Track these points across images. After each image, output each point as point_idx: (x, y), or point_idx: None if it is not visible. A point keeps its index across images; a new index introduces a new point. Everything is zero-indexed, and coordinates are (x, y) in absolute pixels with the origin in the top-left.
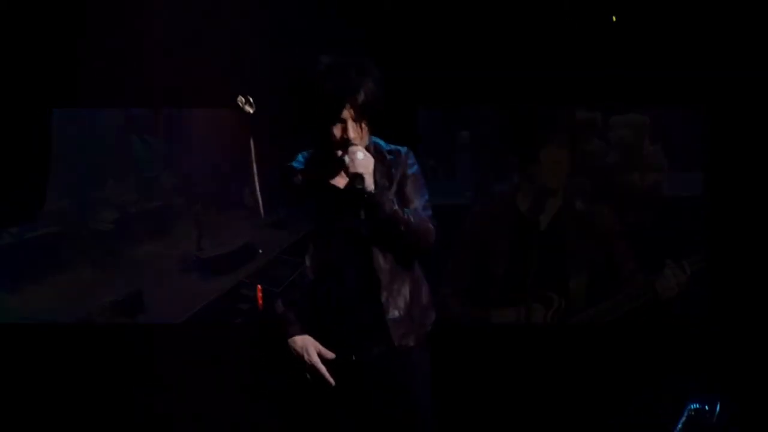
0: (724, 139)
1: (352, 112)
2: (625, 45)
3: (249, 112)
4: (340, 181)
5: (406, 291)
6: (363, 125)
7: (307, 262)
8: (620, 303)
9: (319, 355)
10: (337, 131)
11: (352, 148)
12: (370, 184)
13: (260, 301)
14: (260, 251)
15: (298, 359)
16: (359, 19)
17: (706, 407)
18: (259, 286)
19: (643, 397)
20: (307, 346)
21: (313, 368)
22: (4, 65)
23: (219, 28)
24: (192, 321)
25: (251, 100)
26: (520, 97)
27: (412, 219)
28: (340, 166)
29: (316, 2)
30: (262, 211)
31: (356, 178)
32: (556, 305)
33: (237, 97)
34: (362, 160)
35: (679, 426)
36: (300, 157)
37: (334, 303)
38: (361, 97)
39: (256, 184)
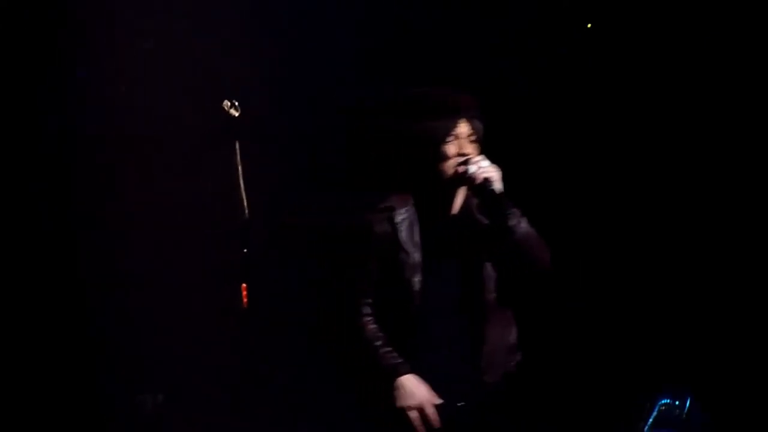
0: None
1: (467, 128)
2: None
3: (234, 116)
4: (456, 204)
5: (508, 328)
6: (476, 145)
7: (415, 299)
8: None
9: None
10: (452, 148)
11: (475, 158)
12: (500, 187)
13: (245, 300)
14: (245, 250)
15: (408, 398)
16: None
17: (677, 402)
18: (244, 285)
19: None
20: (419, 385)
21: (421, 409)
22: None
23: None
24: None
25: (236, 103)
26: None
27: (533, 230)
28: (449, 197)
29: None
30: (247, 212)
31: (486, 181)
32: None
33: (222, 101)
34: (490, 165)
35: (650, 421)
36: (387, 201)
37: (433, 341)
38: (473, 109)
39: (241, 185)
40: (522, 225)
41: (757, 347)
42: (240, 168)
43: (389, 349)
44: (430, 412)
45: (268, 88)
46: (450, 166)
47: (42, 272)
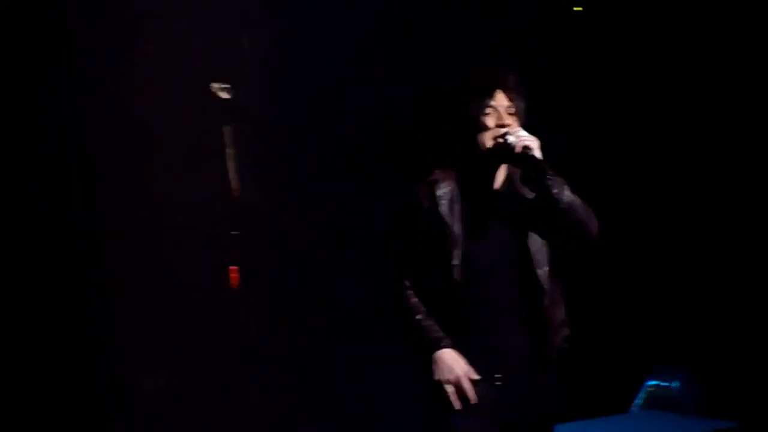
0: None
1: (505, 101)
2: None
3: (224, 98)
4: (499, 178)
5: (558, 303)
6: (515, 118)
7: (455, 273)
8: None
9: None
10: (490, 121)
11: (513, 128)
12: (540, 155)
13: (234, 282)
14: (234, 233)
15: (445, 372)
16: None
17: (666, 384)
18: (233, 267)
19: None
20: (457, 359)
21: (458, 383)
22: None
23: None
24: None
25: (227, 86)
26: None
27: (578, 198)
28: (491, 170)
29: None
30: (237, 194)
31: (525, 149)
32: None
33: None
34: (528, 136)
35: (638, 401)
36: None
37: (481, 317)
38: (512, 83)
39: (232, 167)
40: (566, 193)
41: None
42: (229, 151)
43: (430, 322)
44: (467, 386)
45: (269, 87)
46: (489, 137)
47: (34, 263)
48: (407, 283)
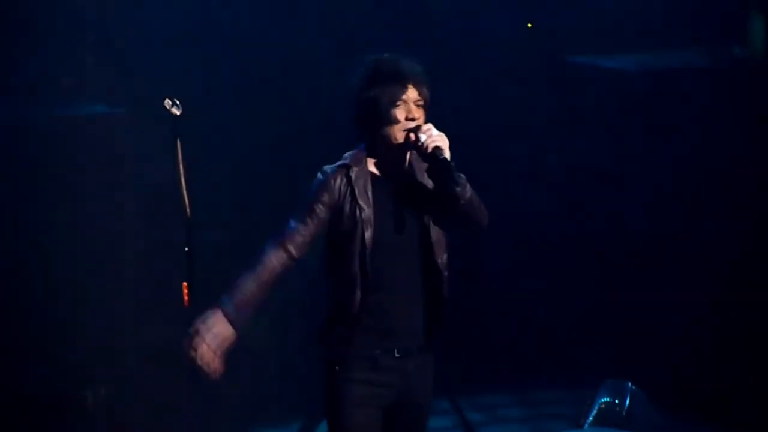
0: None
1: (415, 93)
2: None
3: (176, 114)
4: (406, 168)
5: (447, 285)
6: (423, 111)
7: (367, 256)
8: None
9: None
10: (400, 113)
11: (425, 126)
12: (449, 155)
13: (186, 298)
14: (186, 249)
15: (198, 321)
16: None
17: (616, 401)
18: (185, 283)
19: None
20: (217, 322)
21: (196, 336)
22: None
23: None
24: None
25: (178, 102)
26: None
27: (476, 195)
28: (400, 159)
29: None
30: (188, 210)
31: (437, 149)
32: None
33: (164, 99)
34: (439, 134)
35: (590, 419)
36: (344, 160)
37: (386, 298)
38: (421, 79)
39: (183, 183)
40: (467, 191)
41: None
42: (182, 166)
43: (238, 287)
44: (197, 341)
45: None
46: (398, 129)
47: None
48: (291, 250)
